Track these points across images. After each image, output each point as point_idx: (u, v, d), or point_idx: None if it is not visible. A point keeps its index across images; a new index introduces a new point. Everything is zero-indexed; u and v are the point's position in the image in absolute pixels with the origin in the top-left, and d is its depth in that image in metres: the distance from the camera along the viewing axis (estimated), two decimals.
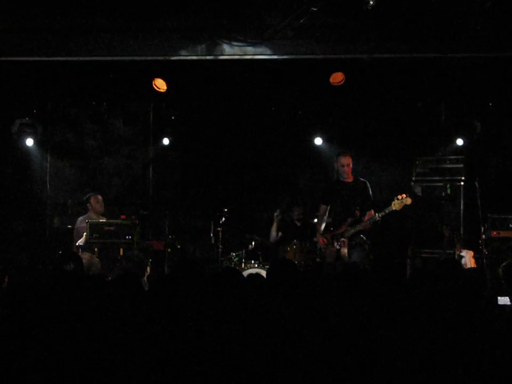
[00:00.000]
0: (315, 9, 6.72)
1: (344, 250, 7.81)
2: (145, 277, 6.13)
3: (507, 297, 4.96)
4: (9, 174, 10.23)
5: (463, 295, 4.17)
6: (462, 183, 8.67)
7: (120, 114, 9.99)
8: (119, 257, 7.83)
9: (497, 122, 9.29)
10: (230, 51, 7.75)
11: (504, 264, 4.71)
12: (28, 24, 7.54)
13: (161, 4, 7.24)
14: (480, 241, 8.27)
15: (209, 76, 9.02)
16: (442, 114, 9.51)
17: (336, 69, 8.79)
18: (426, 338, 3.45)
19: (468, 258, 8.00)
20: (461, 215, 8.57)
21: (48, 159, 10.37)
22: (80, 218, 8.70)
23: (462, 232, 8.39)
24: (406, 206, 7.68)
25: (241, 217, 9.90)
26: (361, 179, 8.00)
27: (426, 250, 8.64)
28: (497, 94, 9.07)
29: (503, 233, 8.37)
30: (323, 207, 8.09)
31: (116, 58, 8.09)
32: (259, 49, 7.73)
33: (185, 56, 7.90)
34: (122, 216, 8.42)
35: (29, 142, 9.92)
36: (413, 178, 8.89)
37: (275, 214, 9.51)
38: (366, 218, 7.76)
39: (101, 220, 8.42)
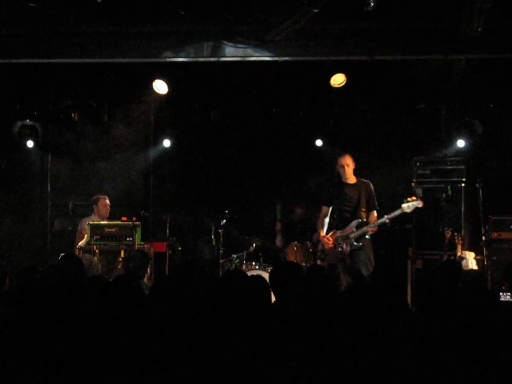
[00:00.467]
0: (316, 10, 6.71)
1: (346, 252, 7.79)
2: (146, 279, 6.13)
3: (508, 294, 4.97)
4: (10, 175, 10.23)
5: (465, 296, 4.17)
6: (463, 185, 8.66)
7: (121, 116, 9.99)
8: (120, 259, 7.83)
9: (498, 123, 9.28)
10: (231, 53, 7.74)
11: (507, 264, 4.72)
12: (29, 27, 7.54)
13: (163, 6, 7.24)
14: (481, 242, 8.27)
15: (210, 78, 9.02)
16: (443, 116, 9.50)
17: (337, 71, 8.79)
18: (430, 340, 3.45)
19: (469, 260, 8.00)
20: (462, 216, 8.55)
21: (49, 160, 10.36)
22: (84, 219, 8.69)
23: (463, 233, 8.38)
24: (417, 209, 7.66)
25: (242, 219, 9.88)
26: (364, 180, 7.99)
27: (427, 252, 8.63)
28: (498, 95, 9.07)
29: (504, 235, 8.36)
30: (324, 208, 8.07)
31: (117, 60, 8.09)
32: (260, 51, 7.73)
33: (186, 58, 7.90)
34: (123, 218, 8.41)
35: (30, 143, 9.93)
36: (414, 180, 8.88)
37: (276, 229, 9.55)
38: (371, 220, 7.74)
39: (101, 222, 8.42)
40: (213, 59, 7.87)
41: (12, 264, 8.18)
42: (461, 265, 7.13)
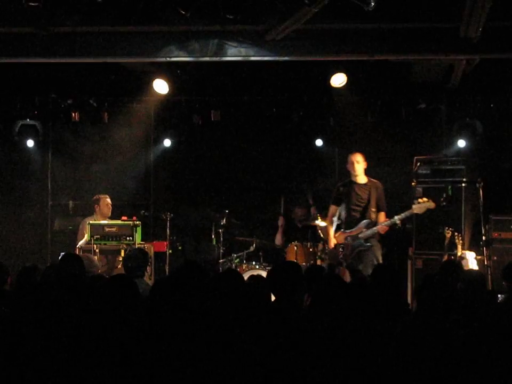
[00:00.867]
0: (316, 10, 6.71)
1: (347, 254, 7.79)
2: (146, 278, 6.13)
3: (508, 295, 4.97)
4: (10, 175, 10.23)
5: (465, 296, 4.17)
6: (464, 185, 8.66)
7: (121, 115, 9.99)
8: (120, 259, 7.83)
9: (498, 123, 9.28)
10: (232, 52, 7.74)
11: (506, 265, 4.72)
12: (29, 26, 7.55)
13: (163, 5, 7.24)
14: (481, 242, 8.26)
15: (211, 77, 9.02)
16: (444, 116, 9.50)
17: (338, 70, 8.79)
18: (428, 338, 3.45)
19: (469, 260, 7.99)
20: (462, 216, 8.54)
21: (49, 160, 10.36)
22: (86, 219, 8.68)
23: (463, 233, 8.37)
24: (428, 210, 7.64)
25: (242, 218, 9.88)
26: (375, 180, 7.97)
27: (428, 252, 8.63)
28: (498, 95, 9.07)
29: (505, 235, 8.36)
30: (333, 207, 8.01)
31: (117, 59, 8.09)
32: (261, 51, 7.73)
33: (186, 57, 7.90)
34: (123, 217, 8.41)
35: (30, 143, 9.93)
36: (414, 180, 8.87)
37: (279, 223, 9.53)
38: (380, 220, 7.71)
39: (102, 221, 8.41)
40: (213, 59, 7.87)
41: (13, 264, 8.20)
42: (461, 265, 7.13)
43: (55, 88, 9.48)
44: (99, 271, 6.62)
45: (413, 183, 8.85)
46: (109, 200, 8.78)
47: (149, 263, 6.27)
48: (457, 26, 7.12)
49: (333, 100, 9.55)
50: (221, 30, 7.65)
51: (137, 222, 8.22)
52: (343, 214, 7.93)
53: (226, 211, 9.27)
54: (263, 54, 7.80)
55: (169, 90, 9.14)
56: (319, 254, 8.96)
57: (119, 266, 7.67)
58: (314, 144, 10.15)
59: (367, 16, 6.83)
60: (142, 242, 8.28)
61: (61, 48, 7.81)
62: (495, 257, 8.27)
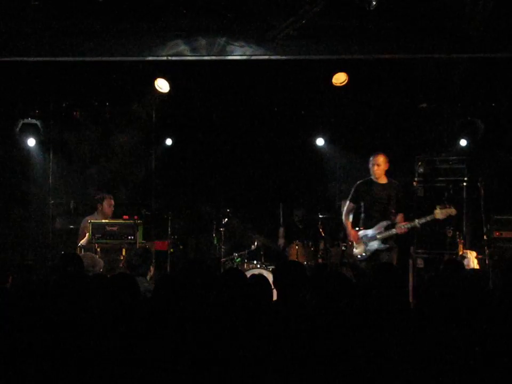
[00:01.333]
0: (318, 9, 6.72)
1: (351, 252, 7.78)
2: (148, 277, 6.12)
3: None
4: (11, 174, 10.23)
5: (466, 295, 4.17)
6: (465, 184, 8.66)
7: (122, 114, 9.99)
8: (121, 258, 7.83)
9: (500, 122, 9.27)
10: (233, 51, 7.74)
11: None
12: (30, 25, 7.55)
13: (164, 4, 7.24)
14: (482, 241, 8.26)
15: (212, 77, 9.02)
16: (445, 115, 9.49)
17: (339, 70, 8.79)
18: (429, 338, 3.45)
19: (470, 259, 7.99)
20: (463, 215, 8.55)
21: (51, 159, 10.36)
22: (87, 217, 8.68)
23: (464, 232, 8.38)
24: (450, 216, 7.63)
25: (243, 217, 9.89)
26: (395, 181, 7.95)
27: (429, 251, 8.63)
28: (500, 94, 9.06)
29: (506, 234, 8.35)
30: (350, 204, 7.96)
31: (118, 58, 8.09)
32: (262, 50, 7.73)
33: (187, 56, 7.90)
34: (125, 217, 8.41)
35: (31, 142, 9.92)
36: (415, 179, 8.88)
37: (280, 234, 9.55)
38: (398, 221, 7.68)
39: (103, 220, 8.41)
40: (214, 58, 7.87)
41: (14, 263, 8.20)
42: (462, 264, 7.12)
43: (57, 87, 9.47)
44: (101, 269, 6.61)
45: (414, 182, 8.85)
46: (112, 201, 8.78)
47: (152, 262, 6.26)
48: (459, 25, 7.11)
49: (335, 98, 9.54)
50: (223, 29, 7.65)
51: (139, 221, 8.21)
52: (362, 213, 7.88)
53: (228, 210, 9.27)
54: (264, 53, 7.80)
55: (171, 89, 9.14)
56: (320, 253, 8.96)
57: (121, 265, 7.67)
58: (315, 143, 10.15)
59: (369, 15, 6.83)
60: (143, 241, 8.28)
61: (62, 47, 7.81)
62: (496, 257, 8.26)
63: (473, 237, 8.60)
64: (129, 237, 8.06)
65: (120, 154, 10.27)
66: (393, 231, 7.62)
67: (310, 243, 8.98)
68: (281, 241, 9.56)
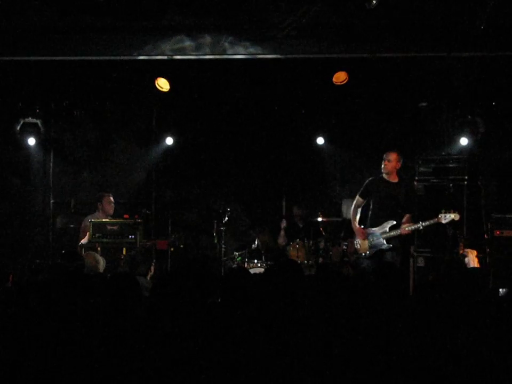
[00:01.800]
0: (318, 8, 6.72)
1: (352, 251, 7.78)
2: (149, 277, 6.13)
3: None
4: (12, 173, 10.23)
5: (466, 293, 4.17)
6: (465, 183, 8.66)
7: (123, 113, 9.99)
8: (122, 257, 7.84)
9: (500, 121, 9.27)
10: (233, 50, 7.75)
11: None
12: (31, 25, 7.55)
13: (164, 3, 7.24)
14: (483, 240, 8.26)
15: (212, 75, 9.02)
16: (445, 114, 9.49)
17: (339, 68, 8.79)
18: (428, 336, 3.46)
19: (471, 258, 7.98)
20: (464, 214, 8.55)
21: (51, 158, 10.37)
22: (88, 216, 8.68)
23: (465, 231, 8.38)
24: (453, 221, 7.63)
25: (244, 216, 9.89)
26: (406, 181, 7.95)
27: (429, 250, 8.63)
28: (500, 93, 9.06)
29: (506, 233, 8.35)
30: (359, 199, 7.92)
31: (118, 58, 8.09)
32: (262, 49, 7.73)
33: (188, 55, 7.90)
34: (125, 216, 8.41)
35: (32, 141, 9.91)
36: (416, 178, 8.88)
37: (282, 226, 9.54)
38: (404, 221, 7.67)
39: (104, 219, 8.42)
40: (215, 57, 7.87)
41: (15, 262, 8.21)
42: (463, 263, 7.13)
43: (57, 86, 9.48)
44: (103, 268, 6.62)
45: (414, 181, 8.85)
46: (112, 198, 8.79)
47: (152, 262, 6.26)
48: (460, 23, 7.12)
49: (335, 97, 9.54)
50: (223, 28, 7.65)
51: (139, 220, 8.22)
52: (369, 210, 7.87)
53: (228, 209, 9.27)
54: (264, 52, 7.81)
55: (171, 88, 9.14)
56: (321, 251, 8.96)
57: (121, 264, 7.67)
58: (316, 142, 10.15)
59: (369, 14, 6.84)
60: (143, 241, 8.29)
61: (63, 47, 7.82)
62: (496, 255, 8.27)
63: (474, 236, 8.60)
64: (130, 236, 8.07)
65: (121, 153, 10.28)
66: (398, 231, 7.61)
67: (311, 242, 8.98)
68: (281, 240, 9.56)
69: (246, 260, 8.96)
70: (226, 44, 7.75)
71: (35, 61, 8.22)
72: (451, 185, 8.71)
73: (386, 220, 7.67)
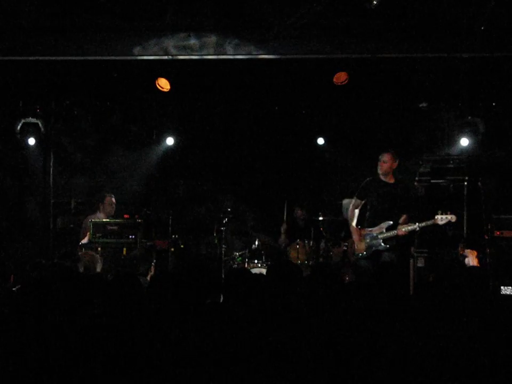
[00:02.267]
0: (319, 8, 6.73)
1: (352, 251, 7.78)
2: (149, 277, 6.14)
3: (510, 287, 4.96)
4: (12, 173, 10.23)
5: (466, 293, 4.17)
6: (466, 183, 8.66)
7: (123, 113, 9.99)
8: (122, 257, 7.84)
9: (500, 121, 9.27)
10: (234, 51, 7.75)
11: None
12: (30, 24, 7.55)
13: (165, 3, 7.25)
14: (483, 241, 8.26)
15: (213, 76, 9.02)
16: (446, 114, 9.49)
17: (340, 69, 8.79)
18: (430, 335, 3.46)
19: (471, 258, 7.98)
20: (464, 215, 8.55)
21: (51, 158, 10.36)
22: (89, 216, 8.68)
23: (465, 232, 8.38)
24: (450, 223, 7.62)
25: (244, 217, 9.89)
26: (403, 182, 7.95)
27: (430, 250, 8.63)
28: (500, 93, 9.06)
29: (507, 233, 8.35)
30: (357, 200, 7.95)
31: (119, 58, 8.09)
32: (263, 49, 7.74)
33: (188, 55, 7.91)
34: (126, 216, 8.42)
35: (32, 141, 9.90)
36: (416, 178, 8.88)
37: (282, 230, 9.55)
38: (401, 222, 7.68)
39: (104, 219, 8.42)
40: (215, 57, 7.87)
41: (15, 262, 8.20)
42: (463, 263, 7.14)
43: (57, 86, 9.47)
44: (100, 268, 6.63)
45: (415, 182, 8.85)
46: (113, 199, 8.80)
47: (153, 262, 6.27)
48: (460, 24, 7.12)
49: (335, 98, 9.54)
50: (224, 29, 7.65)
51: (140, 220, 8.22)
52: (366, 211, 7.88)
53: (229, 209, 9.28)
54: (265, 52, 7.81)
55: (172, 88, 9.14)
56: (321, 252, 8.97)
57: (122, 264, 7.68)
58: (316, 142, 10.15)
59: (370, 14, 6.84)
60: (144, 241, 8.29)
61: (63, 46, 7.82)
62: (496, 256, 8.27)
63: (474, 236, 8.60)
64: (130, 236, 8.07)
65: (121, 154, 10.27)
66: (394, 232, 7.62)
67: (311, 242, 8.98)
68: (282, 240, 9.56)
69: (247, 260, 8.96)
70: (226, 45, 7.75)
71: (35, 61, 8.21)
72: (451, 185, 8.71)
73: (383, 220, 7.68)
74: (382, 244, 7.62)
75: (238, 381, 3.21)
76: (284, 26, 7.33)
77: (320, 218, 9.08)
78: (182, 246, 9.49)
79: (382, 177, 7.82)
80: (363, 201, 7.89)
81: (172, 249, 9.07)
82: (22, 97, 9.58)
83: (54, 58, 8.05)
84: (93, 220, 8.23)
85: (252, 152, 10.17)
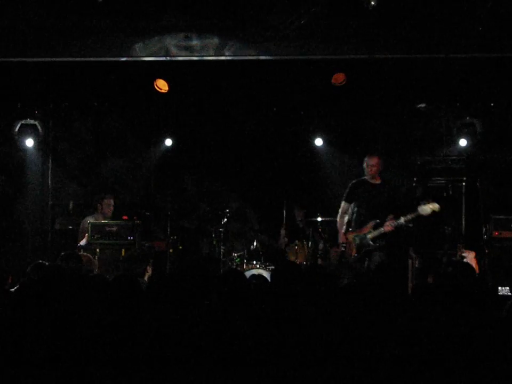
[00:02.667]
0: (317, 9, 6.73)
1: (349, 253, 7.79)
2: (146, 277, 6.13)
3: (507, 288, 4.95)
4: (10, 175, 10.21)
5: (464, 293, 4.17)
6: (464, 184, 8.66)
7: (121, 115, 9.98)
8: (121, 258, 7.83)
9: (499, 122, 9.28)
10: (232, 51, 7.74)
11: None
12: (30, 25, 7.54)
13: (163, 4, 7.24)
14: (481, 241, 8.27)
15: (211, 77, 9.02)
16: (444, 115, 9.50)
17: (338, 69, 8.79)
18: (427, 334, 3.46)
19: (469, 259, 8.00)
20: (463, 215, 8.55)
21: (50, 160, 10.34)
22: (87, 218, 8.67)
23: (463, 232, 8.38)
24: (434, 212, 7.62)
25: (244, 218, 9.89)
26: (388, 182, 7.97)
27: (428, 251, 8.63)
28: (499, 94, 9.07)
29: (505, 234, 8.36)
30: (345, 205, 8.01)
31: (117, 59, 8.08)
32: (261, 50, 7.73)
33: (186, 56, 7.90)
34: (124, 217, 8.41)
35: (30, 142, 9.88)
36: (415, 179, 8.88)
37: (281, 233, 9.55)
38: (388, 221, 7.70)
39: (102, 221, 8.41)
40: (214, 58, 7.87)
41: (14, 264, 8.20)
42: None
43: (56, 87, 9.46)
44: (96, 270, 6.62)
45: (413, 183, 8.85)
46: (112, 201, 8.78)
47: (150, 263, 6.26)
48: (459, 24, 7.12)
49: (333, 99, 9.54)
50: (222, 29, 7.65)
51: (138, 222, 8.22)
52: (354, 213, 7.90)
53: (227, 210, 9.28)
54: (263, 53, 7.81)
55: (170, 89, 9.14)
56: (319, 253, 8.97)
57: (120, 265, 7.67)
58: (314, 143, 10.15)
59: (368, 15, 6.84)
60: (142, 242, 8.29)
61: (61, 48, 7.81)
62: (495, 256, 8.27)
63: (473, 237, 8.61)
64: (129, 238, 8.07)
65: (120, 155, 10.26)
66: (381, 230, 7.66)
67: (310, 243, 8.98)
68: (282, 241, 9.56)
69: (245, 261, 8.95)
70: (225, 45, 7.75)
71: (34, 62, 8.20)
72: (450, 186, 8.72)
73: (370, 220, 7.72)
74: (371, 243, 7.66)
75: (238, 381, 3.21)
76: (282, 27, 7.32)
77: (319, 219, 9.08)
78: (180, 247, 9.48)
79: (368, 179, 7.87)
80: (351, 204, 7.93)
81: (171, 250, 9.06)
82: (20, 98, 9.56)
83: (52, 59, 8.04)
84: (91, 221, 8.21)
85: (251, 154, 10.17)
